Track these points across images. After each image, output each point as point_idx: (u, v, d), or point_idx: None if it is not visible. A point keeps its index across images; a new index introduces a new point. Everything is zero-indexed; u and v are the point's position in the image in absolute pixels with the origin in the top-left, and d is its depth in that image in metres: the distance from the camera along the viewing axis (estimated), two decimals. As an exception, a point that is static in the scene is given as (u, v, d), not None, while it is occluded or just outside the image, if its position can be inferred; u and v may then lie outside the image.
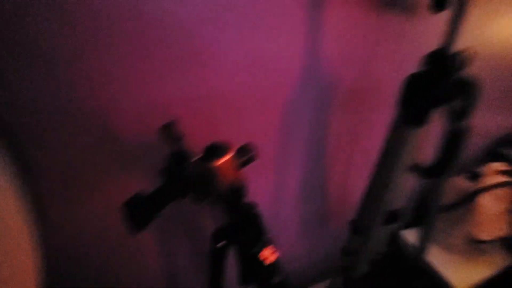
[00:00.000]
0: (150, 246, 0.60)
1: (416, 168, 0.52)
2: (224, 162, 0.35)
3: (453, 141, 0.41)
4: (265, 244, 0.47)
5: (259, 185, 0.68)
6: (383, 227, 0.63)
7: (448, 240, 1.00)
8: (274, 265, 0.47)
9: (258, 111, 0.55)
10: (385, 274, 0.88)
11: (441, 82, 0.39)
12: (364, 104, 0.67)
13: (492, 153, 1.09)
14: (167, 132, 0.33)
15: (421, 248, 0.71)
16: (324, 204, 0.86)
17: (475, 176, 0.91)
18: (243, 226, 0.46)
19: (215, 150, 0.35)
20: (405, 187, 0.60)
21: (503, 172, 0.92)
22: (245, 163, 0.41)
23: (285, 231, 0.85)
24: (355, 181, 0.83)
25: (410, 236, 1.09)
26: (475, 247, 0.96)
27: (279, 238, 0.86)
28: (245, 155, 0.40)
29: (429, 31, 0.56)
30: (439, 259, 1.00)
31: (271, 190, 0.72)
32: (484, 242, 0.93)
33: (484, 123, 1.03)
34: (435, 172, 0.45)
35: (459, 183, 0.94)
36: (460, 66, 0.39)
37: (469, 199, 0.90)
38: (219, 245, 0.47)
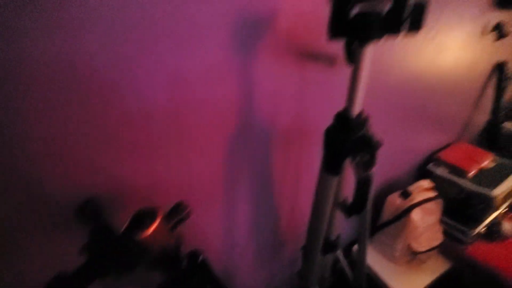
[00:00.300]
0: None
1: (341, 206, 0.58)
2: (151, 232, 0.36)
3: (362, 186, 0.48)
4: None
5: (210, 224, 0.69)
6: (324, 255, 0.68)
7: (392, 252, 1.10)
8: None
9: (200, 154, 0.57)
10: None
11: (346, 140, 0.46)
12: (301, 142, 0.74)
13: (421, 171, 1.25)
14: (86, 210, 0.33)
15: (359, 266, 0.77)
16: (277, 233, 0.90)
17: (407, 194, 1.03)
18: (183, 280, 0.47)
19: (142, 219, 0.36)
20: (339, 220, 0.66)
21: (430, 189, 1.06)
22: (178, 223, 0.42)
23: (242, 263, 0.87)
24: (303, 209, 0.89)
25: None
26: (415, 257, 1.07)
27: (237, 271, 0.88)
28: (178, 214, 0.42)
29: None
30: (385, 270, 1.10)
31: (223, 227, 0.73)
32: (421, 252, 1.05)
33: (415, 144, 1.18)
34: (354, 211, 0.51)
35: (395, 201, 1.05)
36: (360, 126, 0.47)
37: (403, 215, 1.02)
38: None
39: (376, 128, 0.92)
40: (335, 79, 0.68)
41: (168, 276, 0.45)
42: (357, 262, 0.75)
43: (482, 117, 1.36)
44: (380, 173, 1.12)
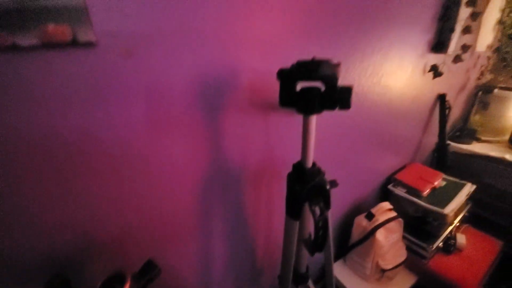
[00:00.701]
0: None
1: (305, 243, 0.64)
2: (121, 296, 0.38)
3: (320, 228, 0.54)
4: None
5: (189, 266, 0.71)
6: (293, 286, 0.73)
7: (363, 270, 1.17)
8: None
9: (172, 198, 0.60)
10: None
11: (302, 190, 0.52)
12: (271, 179, 0.79)
13: (383, 191, 1.36)
14: (52, 285, 0.35)
15: None
16: (254, 263, 0.92)
17: (371, 216, 1.12)
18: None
19: (111, 285, 0.39)
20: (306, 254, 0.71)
21: (390, 209, 1.16)
22: (150, 281, 0.45)
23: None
24: (277, 238, 0.93)
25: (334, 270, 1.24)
26: (383, 275, 1.15)
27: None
28: (148, 274, 0.45)
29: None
30: (357, 288, 1.16)
31: (201, 266, 0.75)
32: (388, 270, 1.13)
33: (376, 166, 1.30)
34: (315, 250, 0.57)
35: (361, 223, 1.14)
36: (314, 176, 0.53)
37: (369, 235, 1.10)
38: None
39: (343, 154, 1.01)
40: (295, 123, 0.75)
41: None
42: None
43: (432, 139, 1.53)
44: (348, 195, 1.21)
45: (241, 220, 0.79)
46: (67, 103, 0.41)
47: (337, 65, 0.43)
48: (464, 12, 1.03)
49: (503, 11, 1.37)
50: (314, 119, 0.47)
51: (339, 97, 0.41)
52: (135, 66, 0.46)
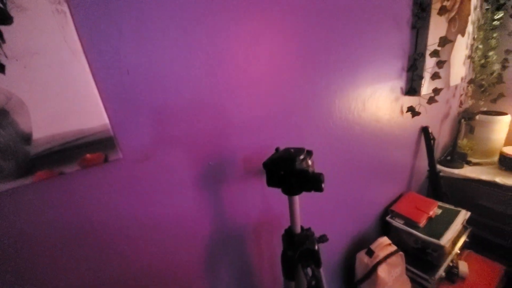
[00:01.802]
0: None
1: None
2: None
3: (313, 286, 0.62)
4: None
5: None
6: None
7: (370, 307, 1.20)
8: None
9: (183, 252, 0.69)
10: None
11: (293, 255, 0.61)
12: (271, 235, 0.88)
13: (382, 223, 1.42)
14: None
15: None
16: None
17: (371, 252, 1.17)
18: None
19: None
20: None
21: (389, 244, 1.22)
22: None
23: None
24: None
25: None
26: (390, 310, 1.17)
27: None
28: None
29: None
30: (367, 327, 1.18)
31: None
32: (394, 304, 1.16)
33: (373, 198, 1.37)
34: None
35: (363, 259, 1.19)
36: (304, 241, 0.63)
37: (372, 272, 1.15)
38: None
39: (340, 191, 1.09)
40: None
41: None
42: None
43: (424, 166, 1.61)
44: (349, 230, 1.28)
45: (245, 272, 0.87)
46: (100, 202, 0.53)
47: (308, 156, 0.54)
48: (430, 61, 1.17)
49: (471, 47, 1.52)
50: (297, 197, 0.58)
51: (312, 184, 0.52)
52: (151, 165, 0.58)
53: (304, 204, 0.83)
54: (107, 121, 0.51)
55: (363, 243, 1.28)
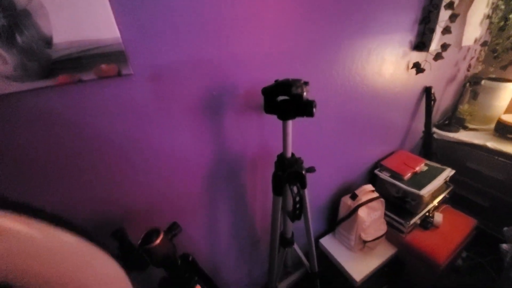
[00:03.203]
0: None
1: (288, 214, 0.83)
2: (157, 243, 0.58)
3: (298, 202, 0.72)
4: (195, 283, 0.71)
5: (198, 232, 0.92)
6: (282, 249, 0.93)
7: (348, 242, 1.37)
8: (204, 295, 0.72)
9: (185, 183, 0.80)
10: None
11: (283, 174, 0.70)
12: (265, 165, 0.98)
13: (370, 175, 1.53)
14: (116, 234, 0.55)
15: (309, 252, 1.03)
16: (252, 233, 1.14)
17: (354, 196, 1.30)
18: (179, 275, 0.69)
19: (150, 235, 0.59)
20: (291, 223, 0.91)
21: (372, 191, 1.34)
22: (174, 236, 0.65)
23: (226, 259, 1.10)
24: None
25: (324, 242, 1.45)
26: (365, 245, 1.34)
27: (222, 268, 1.11)
28: (173, 231, 0.65)
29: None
30: (343, 257, 1.37)
31: (209, 233, 0.96)
32: (369, 241, 1.32)
33: (365, 154, 1.45)
34: (294, 218, 0.76)
35: (347, 202, 1.32)
36: (293, 164, 0.71)
37: (353, 212, 1.29)
38: (164, 290, 0.69)
39: (332, 142, 1.17)
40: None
41: (168, 272, 0.68)
42: (309, 250, 1.01)
43: (420, 128, 1.66)
44: (337, 178, 1.39)
45: (241, 198, 0.99)
46: (113, 115, 0.60)
47: (304, 84, 0.59)
48: (444, 15, 1.13)
49: (492, 5, 1.43)
50: (290, 123, 0.64)
51: (305, 109, 0.58)
52: (160, 85, 0.63)
53: (299, 145, 0.90)
54: (118, 34, 0.55)
55: (349, 190, 1.40)
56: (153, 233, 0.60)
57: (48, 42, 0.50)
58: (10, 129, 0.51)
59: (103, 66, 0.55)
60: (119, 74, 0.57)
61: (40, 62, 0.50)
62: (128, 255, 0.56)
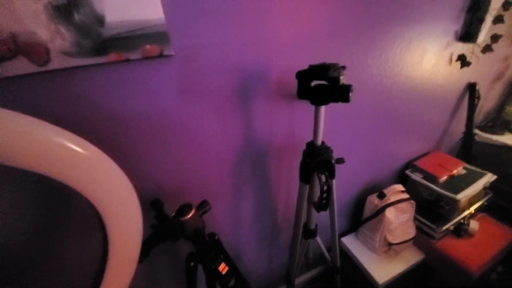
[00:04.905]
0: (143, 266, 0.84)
1: (313, 204, 0.82)
2: (189, 217, 0.61)
3: (325, 192, 0.71)
4: (221, 261, 0.73)
5: (223, 216, 0.95)
6: (304, 240, 0.92)
7: (372, 243, 1.32)
8: (228, 274, 0.74)
9: (214, 166, 0.82)
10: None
11: (312, 162, 0.69)
12: (291, 154, 0.97)
13: (400, 175, 1.45)
14: (154, 204, 0.59)
15: (333, 247, 1.00)
16: (275, 223, 1.14)
17: (382, 195, 1.24)
18: (206, 251, 0.72)
19: (183, 209, 0.62)
20: (315, 214, 0.90)
21: (402, 191, 1.27)
22: (204, 213, 0.68)
23: (247, 246, 1.12)
24: (294, 204, 1.12)
25: (345, 241, 1.41)
26: (391, 248, 1.29)
27: (243, 253, 1.13)
28: (203, 208, 0.68)
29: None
30: (367, 259, 1.32)
31: (232, 218, 0.98)
32: (395, 244, 1.26)
33: (396, 152, 1.38)
34: (320, 208, 0.75)
35: (373, 201, 1.27)
36: (322, 152, 0.70)
37: (380, 212, 1.23)
38: (191, 265, 0.72)
39: (363, 138, 1.13)
40: (312, 111, 0.91)
41: (196, 247, 0.71)
42: (331, 244, 0.99)
43: (460, 128, 1.53)
44: (365, 175, 1.34)
45: (266, 186, 0.99)
46: (154, 95, 0.63)
47: (341, 68, 0.57)
48: (497, 2, 1.03)
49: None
50: (323, 108, 0.63)
51: (340, 93, 0.56)
52: (196, 68, 0.65)
53: (329, 135, 0.88)
54: (163, 15, 0.57)
55: (376, 189, 1.34)
56: (186, 207, 0.63)
57: (100, 21, 0.54)
58: (67, 102, 0.56)
59: (148, 46, 0.58)
60: (161, 55, 0.60)
61: (94, 40, 0.54)
62: (164, 224, 0.59)
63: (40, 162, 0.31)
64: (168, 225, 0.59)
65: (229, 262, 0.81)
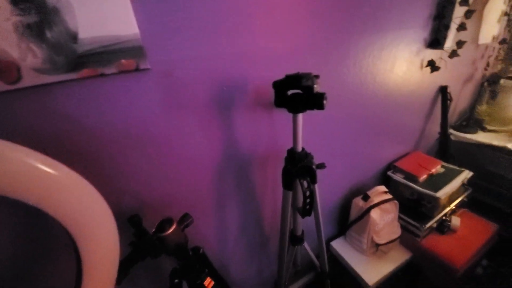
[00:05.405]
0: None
1: (298, 210, 0.83)
2: (170, 232, 0.60)
3: (308, 196, 0.72)
4: (206, 276, 0.72)
5: (207, 227, 0.93)
6: (292, 247, 0.92)
7: (360, 245, 1.34)
8: (213, 288, 0.72)
9: (195, 178, 0.81)
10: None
11: (293, 168, 0.70)
12: (275, 163, 0.98)
13: (383, 176, 1.49)
14: (132, 220, 0.57)
15: (320, 251, 1.01)
16: (262, 232, 1.13)
17: (366, 197, 1.27)
18: (190, 266, 0.71)
19: (164, 224, 0.61)
20: (301, 220, 0.90)
21: (385, 192, 1.30)
22: (186, 226, 0.67)
23: (235, 258, 1.10)
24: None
25: (334, 245, 1.42)
26: (378, 249, 1.31)
27: (231, 264, 1.11)
28: (185, 221, 0.67)
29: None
30: (355, 261, 1.33)
31: (218, 230, 0.97)
32: (382, 244, 1.28)
33: (378, 155, 1.43)
34: (304, 214, 0.75)
35: (358, 203, 1.29)
36: (302, 158, 0.71)
37: (365, 214, 1.26)
38: (175, 281, 0.70)
39: (343, 143, 1.15)
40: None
41: (180, 262, 0.69)
42: (319, 249, 0.99)
43: (436, 129, 1.61)
44: (349, 179, 1.37)
45: (251, 195, 0.99)
46: (132, 108, 0.63)
47: (314, 77, 0.59)
48: (459, 11, 1.11)
49: (509, 2, 1.39)
50: (300, 116, 0.64)
51: (315, 101, 0.58)
52: (174, 81, 0.66)
53: (309, 143, 0.90)
54: (137, 30, 0.58)
55: (361, 192, 1.37)
56: (167, 222, 0.62)
57: (74, 37, 0.53)
58: (42, 118, 0.55)
59: (123, 60, 0.58)
60: (137, 69, 0.60)
61: (67, 56, 0.54)
62: (143, 241, 0.58)
63: (5, 184, 0.30)
64: (148, 241, 0.57)
65: (215, 276, 0.80)
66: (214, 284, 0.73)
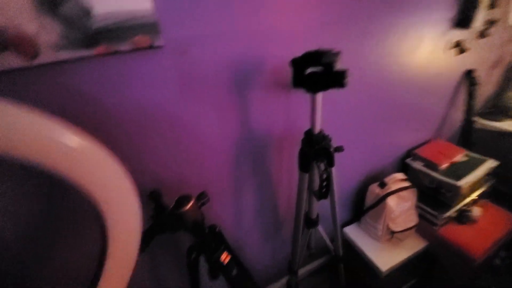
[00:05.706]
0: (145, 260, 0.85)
1: (314, 193, 0.82)
2: (188, 208, 0.61)
3: (325, 179, 0.71)
4: (222, 251, 0.74)
5: (224, 208, 0.95)
6: (306, 230, 0.92)
7: (375, 232, 1.32)
8: (230, 263, 0.74)
9: (214, 158, 0.82)
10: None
11: (310, 150, 0.69)
12: (291, 145, 0.97)
13: (401, 164, 1.45)
14: (152, 195, 0.59)
15: (335, 235, 1.01)
16: (277, 215, 1.14)
17: (383, 184, 1.24)
18: (207, 242, 0.72)
19: (182, 200, 0.62)
20: (316, 203, 0.90)
21: (403, 179, 1.27)
22: (203, 204, 0.68)
23: (250, 239, 1.12)
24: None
25: (348, 230, 1.42)
26: (393, 236, 1.29)
27: (246, 245, 1.13)
28: (202, 199, 0.68)
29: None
30: (370, 248, 1.32)
31: (234, 211, 0.98)
32: (398, 232, 1.26)
33: (397, 141, 1.38)
34: (320, 197, 0.75)
35: (374, 190, 1.27)
36: (320, 141, 0.70)
37: (381, 201, 1.23)
38: (192, 257, 0.73)
39: (362, 128, 1.12)
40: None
41: (196, 239, 0.71)
42: (333, 233, 0.99)
43: (458, 116, 1.53)
44: (366, 165, 1.34)
45: (266, 177, 0.99)
46: (147, 87, 0.63)
47: (336, 54, 0.57)
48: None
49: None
50: (319, 96, 0.62)
51: (336, 79, 0.56)
52: (189, 59, 0.65)
53: (327, 124, 0.89)
54: (152, 5, 0.57)
55: (377, 179, 1.34)
56: (185, 198, 0.63)
57: (88, 13, 0.53)
58: (60, 96, 0.56)
59: (137, 37, 0.58)
60: (151, 46, 0.59)
61: (82, 33, 0.54)
62: (162, 216, 0.59)
63: (35, 153, 0.31)
64: (167, 216, 0.59)
65: (230, 254, 0.81)
66: (229, 259, 0.75)
